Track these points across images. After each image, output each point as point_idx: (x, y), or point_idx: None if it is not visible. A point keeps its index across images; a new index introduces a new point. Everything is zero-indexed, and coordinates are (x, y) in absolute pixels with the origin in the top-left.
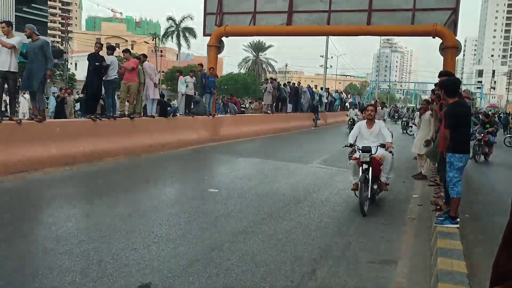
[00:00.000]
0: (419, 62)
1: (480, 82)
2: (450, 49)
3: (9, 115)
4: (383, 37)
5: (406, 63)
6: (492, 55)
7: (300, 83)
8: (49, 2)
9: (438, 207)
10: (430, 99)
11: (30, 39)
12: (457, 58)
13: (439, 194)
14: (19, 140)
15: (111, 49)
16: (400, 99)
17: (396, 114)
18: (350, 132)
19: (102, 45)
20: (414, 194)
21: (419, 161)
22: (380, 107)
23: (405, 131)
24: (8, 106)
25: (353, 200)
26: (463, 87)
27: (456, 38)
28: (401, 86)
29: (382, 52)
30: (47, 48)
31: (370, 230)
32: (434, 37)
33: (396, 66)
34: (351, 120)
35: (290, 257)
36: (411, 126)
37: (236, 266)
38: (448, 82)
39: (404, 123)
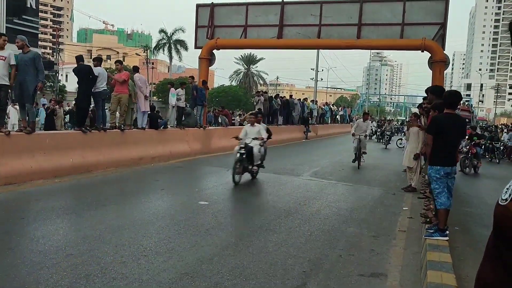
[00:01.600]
0: (408, 75)
1: (469, 95)
2: (438, 63)
3: None
4: (373, 51)
5: (396, 76)
6: (480, 69)
7: (292, 95)
8: (40, 14)
9: (428, 219)
10: (418, 113)
11: (20, 50)
12: (445, 71)
13: (428, 206)
14: (8, 152)
15: (97, 60)
16: (390, 112)
17: (379, 130)
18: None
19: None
20: (404, 207)
21: (408, 173)
22: (361, 119)
23: (385, 147)
24: None
25: (344, 213)
26: None
27: (444, 52)
28: (391, 99)
29: (372, 66)
30: (38, 61)
31: (361, 243)
32: (422, 51)
33: (386, 79)
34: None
35: (280, 270)
36: (401, 139)
37: (226, 279)
38: (447, 94)
39: (386, 137)
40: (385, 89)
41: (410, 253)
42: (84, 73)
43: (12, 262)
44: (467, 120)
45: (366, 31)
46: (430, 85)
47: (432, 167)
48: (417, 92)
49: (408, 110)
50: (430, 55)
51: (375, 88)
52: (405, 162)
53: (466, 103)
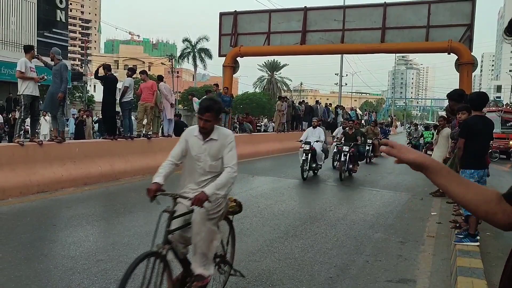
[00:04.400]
0: (435, 78)
1: (499, 97)
2: (466, 65)
3: (30, 136)
4: (398, 54)
5: (422, 79)
6: (510, 70)
7: (317, 101)
8: (69, 27)
9: (458, 224)
10: (446, 115)
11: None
12: (474, 73)
13: (458, 211)
14: (40, 161)
15: (131, 70)
16: (416, 116)
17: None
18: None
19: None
20: (433, 212)
21: None
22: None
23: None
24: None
25: (370, 218)
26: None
27: (472, 54)
28: (417, 102)
29: (398, 69)
30: (63, 70)
31: (388, 249)
32: (449, 54)
33: (412, 83)
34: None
35: (307, 276)
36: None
37: (252, 285)
38: (474, 96)
39: (411, 146)
40: (411, 92)
41: (439, 259)
42: (111, 83)
43: (45, 267)
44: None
45: (390, 34)
46: (458, 87)
47: (465, 170)
48: (444, 95)
49: (436, 113)
50: (457, 57)
51: (401, 92)
52: None
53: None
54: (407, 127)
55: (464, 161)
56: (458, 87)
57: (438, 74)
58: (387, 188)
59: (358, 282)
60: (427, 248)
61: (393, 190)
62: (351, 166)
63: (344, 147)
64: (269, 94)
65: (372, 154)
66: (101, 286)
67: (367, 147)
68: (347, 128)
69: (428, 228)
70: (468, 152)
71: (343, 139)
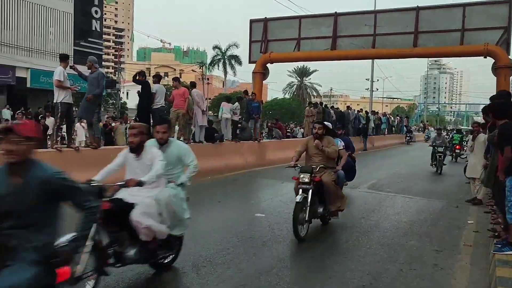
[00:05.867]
0: (470, 83)
1: None
2: (503, 69)
3: (66, 142)
4: (430, 59)
5: (456, 84)
6: None
7: (349, 106)
8: (103, 36)
9: (496, 233)
10: (484, 121)
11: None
12: (511, 77)
13: (496, 220)
14: (77, 166)
15: (157, 77)
16: (450, 121)
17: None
18: None
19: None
20: (469, 220)
21: (473, 185)
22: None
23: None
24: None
25: (404, 226)
26: None
27: (510, 57)
28: (451, 107)
29: (430, 74)
30: (100, 79)
31: (423, 257)
32: (485, 57)
33: (445, 88)
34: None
35: (339, 283)
36: (464, 149)
37: None
38: (497, 105)
39: (438, 157)
40: (445, 97)
41: (477, 269)
42: (147, 89)
43: None
44: None
45: (423, 39)
46: (495, 92)
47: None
48: (479, 100)
49: (471, 118)
50: (493, 61)
51: (434, 97)
52: (470, 173)
53: None
54: (426, 132)
55: (510, 168)
56: (495, 92)
57: (473, 78)
58: (420, 195)
59: None
60: (464, 257)
61: (427, 197)
62: None
63: None
64: (298, 100)
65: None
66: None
67: None
68: None
69: (465, 237)
70: None
71: None
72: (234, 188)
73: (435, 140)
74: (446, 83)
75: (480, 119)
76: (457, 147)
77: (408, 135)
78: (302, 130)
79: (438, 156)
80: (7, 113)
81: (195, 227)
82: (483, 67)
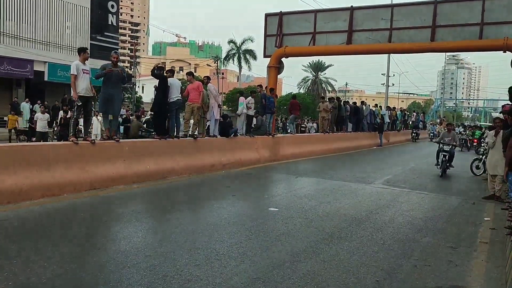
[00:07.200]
0: (488, 78)
1: None
2: None
3: (83, 135)
4: (448, 54)
5: (474, 79)
6: None
7: (363, 101)
8: (119, 30)
9: None
10: (504, 117)
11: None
12: None
13: None
14: (93, 160)
15: (170, 71)
16: (467, 117)
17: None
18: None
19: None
20: (486, 217)
21: (491, 182)
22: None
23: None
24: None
25: (418, 222)
26: None
27: None
28: (468, 103)
29: (448, 69)
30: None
31: (437, 254)
32: (505, 52)
33: (463, 83)
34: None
35: (353, 278)
36: (478, 159)
37: (297, 285)
38: None
39: (443, 157)
40: (462, 93)
41: (493, 266)
42: (164, 82)
43: (98, 260)
44: None
45: (441, 33)
46: None
47: None
48: (498, 95)
49: (489, 114)
50: None
51: (451, 93)
52: (492, 170)
53: None
54: (430, 128)
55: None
56: None
57: (491, 74)
58: (436, 191)
59: (405, 286)
60: (480, 254)
61: (443, 193)
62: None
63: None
64: (313, 95)
65: None
66: (149, 281)
67: None
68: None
69: (481, 234)
70: None
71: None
72: (248, 182)
73: (444, 137)
74: (464, 79)
75: (497, 114)
76: (475, 140)
77: (414, 131)
78: (315, 125)
79: (443, 156)
80: (26, 107)
81: (208, 220)
82: (502, 62)
